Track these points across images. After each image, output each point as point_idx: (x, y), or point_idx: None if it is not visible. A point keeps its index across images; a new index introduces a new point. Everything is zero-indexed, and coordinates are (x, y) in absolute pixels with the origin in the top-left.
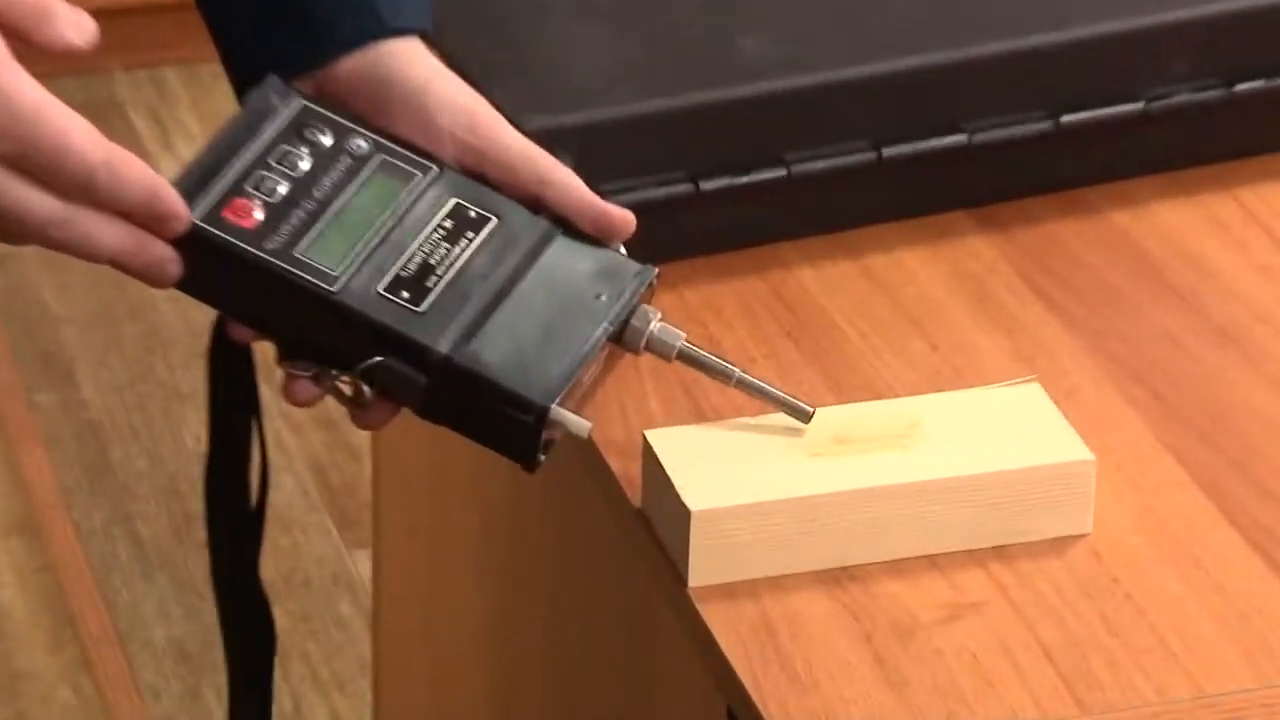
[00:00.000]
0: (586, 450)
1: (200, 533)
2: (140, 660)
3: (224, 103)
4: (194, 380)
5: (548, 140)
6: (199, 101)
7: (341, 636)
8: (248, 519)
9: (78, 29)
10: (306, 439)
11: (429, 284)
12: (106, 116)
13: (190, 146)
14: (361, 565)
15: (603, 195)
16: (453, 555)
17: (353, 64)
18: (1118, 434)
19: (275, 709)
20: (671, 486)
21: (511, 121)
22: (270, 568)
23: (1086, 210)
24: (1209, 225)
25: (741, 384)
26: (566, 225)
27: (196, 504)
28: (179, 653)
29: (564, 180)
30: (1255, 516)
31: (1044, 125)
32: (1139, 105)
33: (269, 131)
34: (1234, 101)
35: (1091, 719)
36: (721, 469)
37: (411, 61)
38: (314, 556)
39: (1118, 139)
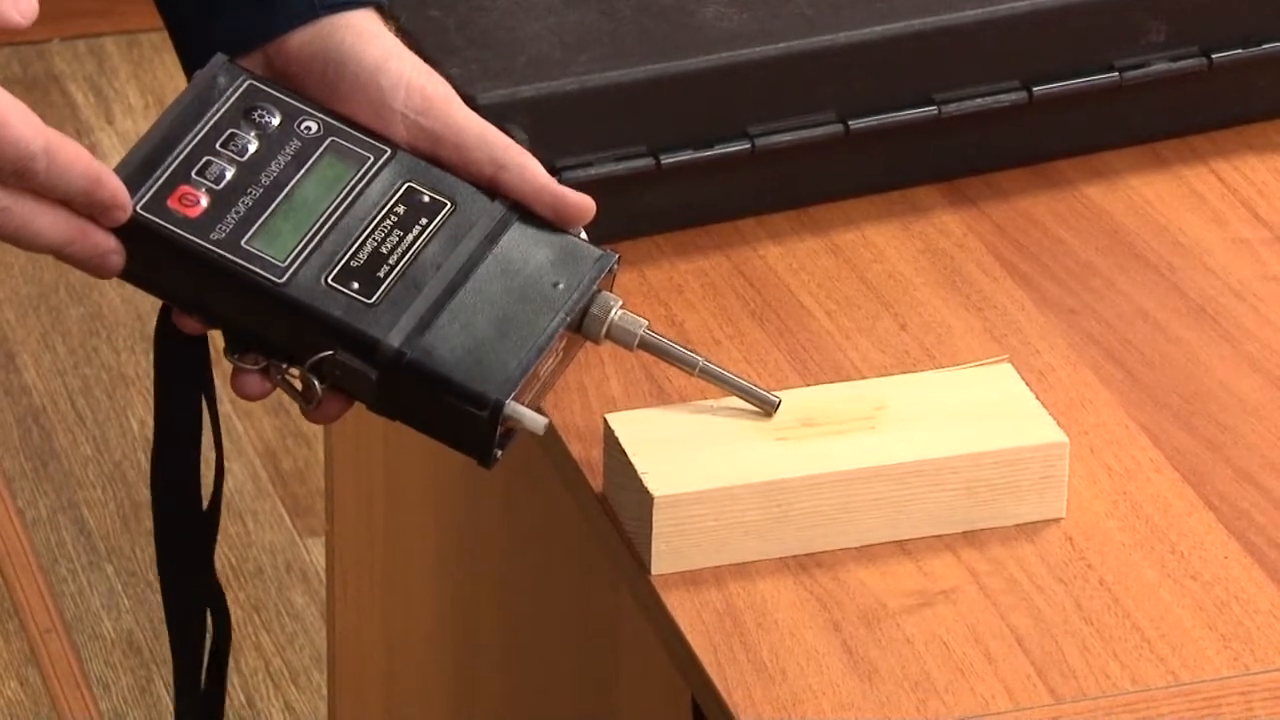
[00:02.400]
0: (546, 434)
1: (149, 521)
2: (89, 652)
3: (166, 74)
4: (140, 363)
5: (503, 113)
6: (140, 72)
7: (295, 627)
8: (199, 518)
9: (17, 5)
10: (257, 423)
11: (380, 274)
12: (44, 89)
13: (131, 119)
14: (315, 553)
15: (560, 171)
16: (409, 543)
17: (304, 40)
18: (1092, 415)
19: (226, 703)
20: (633, 471)
21: (465, 94)
22: (221, 556)
23: (1060, 184)
24: (1185, 198)
25: (705, 373)
26: (524, 210)
27: (145, 491)
28: (129, 644)
29: (520, 164)
30: (1232, 500)
31: (1016, 96)
32: (1114, 75)
33: (215, 114)
34: (1211, 71)
35: (1065, 707)
36: (685, 453)
37: (365, 39)
38: (265, 545)
39: (1092, 110)
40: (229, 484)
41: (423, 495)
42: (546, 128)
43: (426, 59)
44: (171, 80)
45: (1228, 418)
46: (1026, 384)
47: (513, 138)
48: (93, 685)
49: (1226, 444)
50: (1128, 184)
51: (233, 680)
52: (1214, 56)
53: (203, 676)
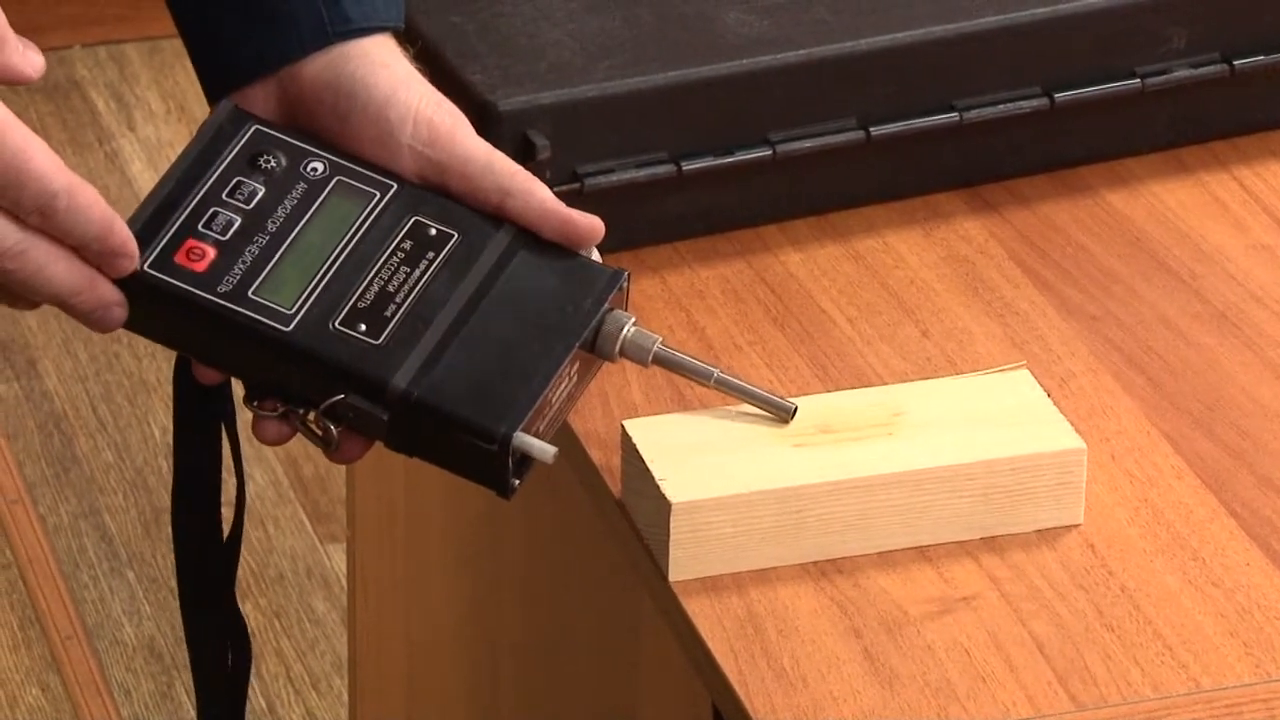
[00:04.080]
0: (566, 440)
1: (169, 527)
2: (110, 658)
3: (188, 80)
4: (161, 370)
5: (524, 120)
6: (161, 79)
7: (316, 633)
8: (220, 551)
9: (26, 58)
10: None
11: (387, 313)
12: (66, 95)
13: (153, 125)
14: (336, 559)
15: (582, 177)
16: (430, 550)
17: (317, 70)
18: (1113, 421)
19: (247, 709)
20: (651, 478)
21: (486, 100)
22: (242, 563)
23: (1081, 190)
24: (1207, 205)
25: (721, 383)
26: (532, 235)
27: (166, 498)
28: (150, 650)
29: (525, 189)
30: (1254, 507)
31: (1038, 102)
32: (1136, 81)
33: (222, 163)
34: (1233, 77)
35: (1086, 714)
36: (703, 460)
37: (376, 68)
38: (286, 551)
39: (1114, 116)
40: (250, 490)
41: (443, 502)
42: (568, 134)
43: (448, 66)
44: (193, 86)
45: (1249, 424)
46: (1047, 390)
47: (534, 144)
48: (114, 691)
49: (1248, 451)
50: (1149, 190)
51: (253, 686)
52: (1236, 63)
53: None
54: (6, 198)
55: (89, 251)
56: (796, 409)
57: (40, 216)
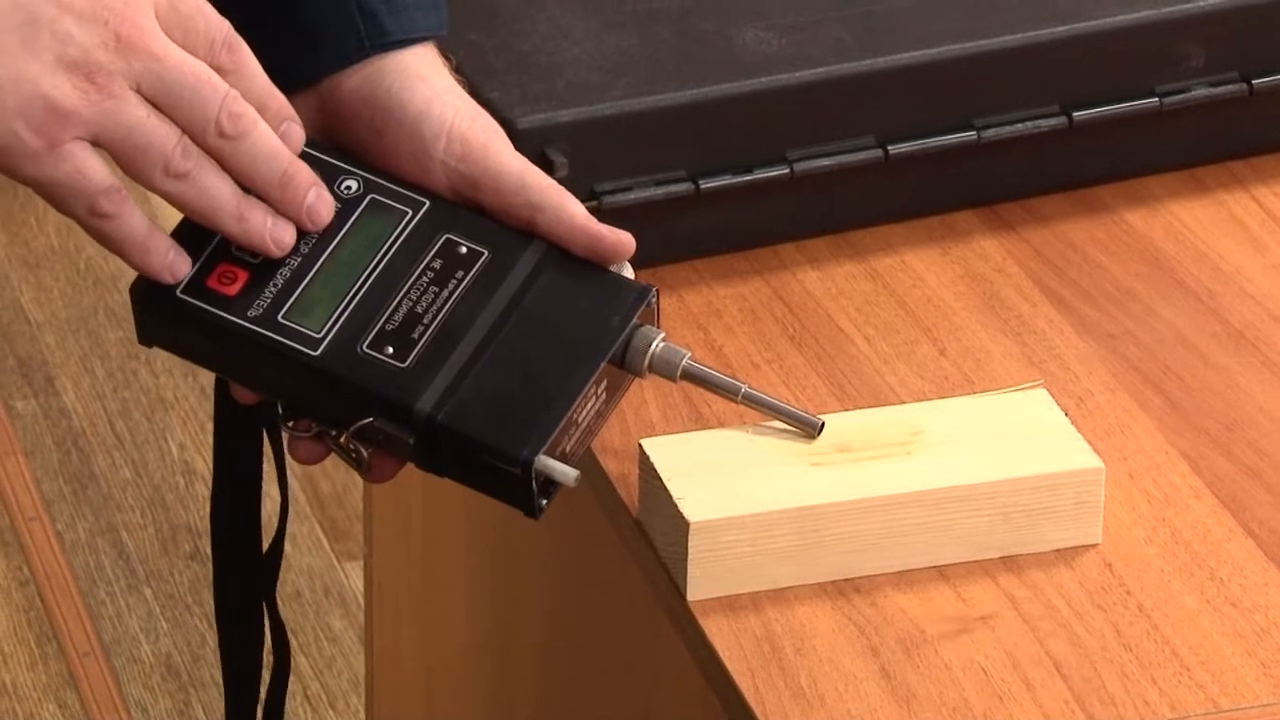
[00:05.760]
0: (584, 458)
1: (187, 544)
2: (127, 675)
3: None
4: (178, 386)
5: (542, 137)
6: None
7: (333, 650)
8: (261, 562)
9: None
10: None
11: (414, 334)
12: None
13: None
14: (353, 577)
15: (600, 195)
16: (447, 567)
17: (355, 84)
18: (1130, 441)
19: None
20: (669, 496)
21: (504, 118)
22: None
23: (1099, 209)
24: (1225, 224)
25: (748, 399)
26: (561, 251)
27: (183, 514)
28: (167, 667)
29: (556, 204)
30: (1272, 527)
31: (1056, 121)
32: (1154, 100)
33: None
34: (1251, 96)
35: None
36: (720, 478)
37: (413, 82)
38: (304, 568)
39: (1132, 135)
40: (268, 507)
41: (461, 520)
42: (586, 152)
43: (466, 84)
44: None
45: (1267, 444)
46: (1065, 409)
47: (552, 162)
48: (131, 709)
49: (1266, 470)
50: (1167, 209)
51: None
52: (1254, 82)
53: (259, 711)
54: (188, 105)
55: (260, 178)
56: (824, 424)
57: (217, 135)
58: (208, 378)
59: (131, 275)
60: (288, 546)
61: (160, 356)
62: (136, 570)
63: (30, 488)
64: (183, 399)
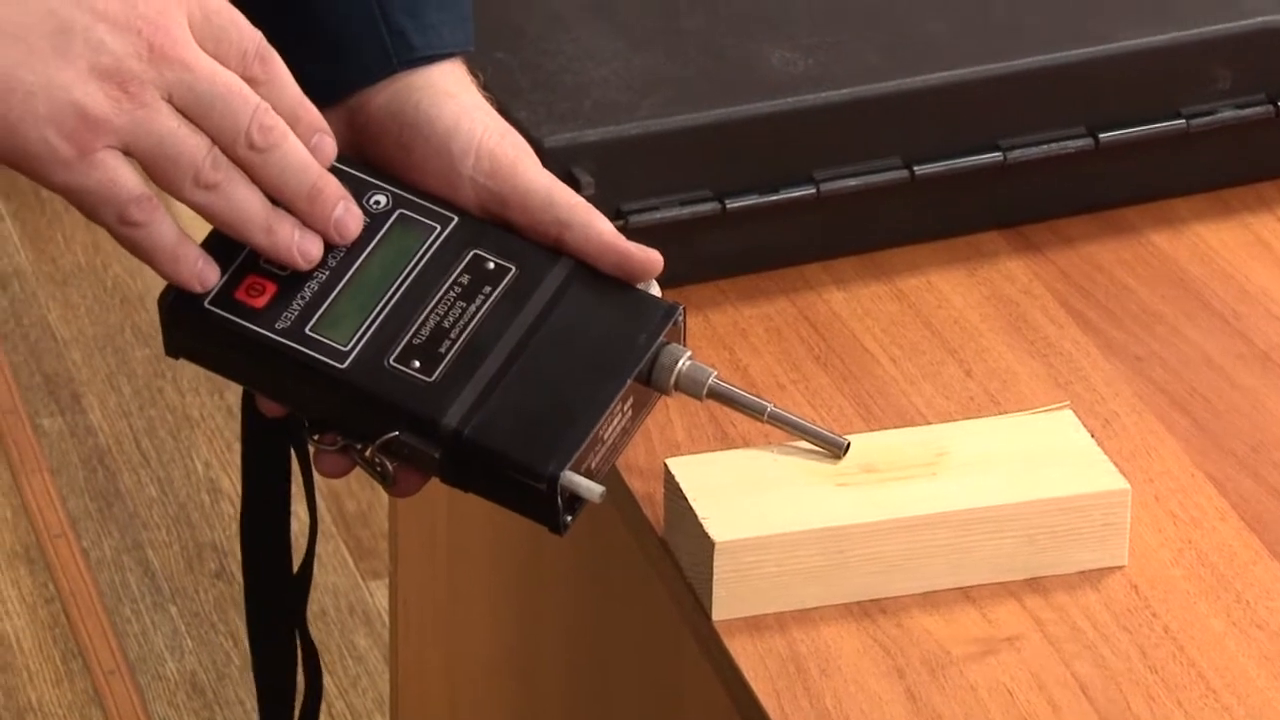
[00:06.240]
0: (609, 477)
1: (213, 562)
2: (152, 693)
3: None
4: (204, 405)
5: (568, 157)
6: None
7: (358, 669)
8: (291, 580)
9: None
10: None
11: (441, 349)
12: None
13: None
14: (378, 596)
15: (626, 214)
16: (472, 586)
17: (383, 100)
18: (1157, 462)
19: None
20: (694, 516)
21: (531, 137)
22: None
23: (1125, 230)
24: (1252, 246)
25: (774, 418)
26: (589, 268)
27: (208, 532)
28: (192, 685)
29: (584, 222)
30: None
31: (1082, 142)
32: (1180, 122)
33: None
34: (1278, 118)
35: None
36: (745, 498)
37: (441, 99)
38: (329, 587)
39: (1158, 157)
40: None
41: (486, 539)
42: (612, 171)
43: (493, 103)
44: None
45: None
46: (1091, 431)
47: (578, 181)
48: None
49: None
50: (1194, 231)
51: None
52: None
53: None
54: (219, 116)
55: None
56: (849, 445)
57: (246, 146)
58: (234, 396)
59: (157, 292)
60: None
61: (186, 375)
62: (162, 588)
63: (56, 505)
64: (208, 417)
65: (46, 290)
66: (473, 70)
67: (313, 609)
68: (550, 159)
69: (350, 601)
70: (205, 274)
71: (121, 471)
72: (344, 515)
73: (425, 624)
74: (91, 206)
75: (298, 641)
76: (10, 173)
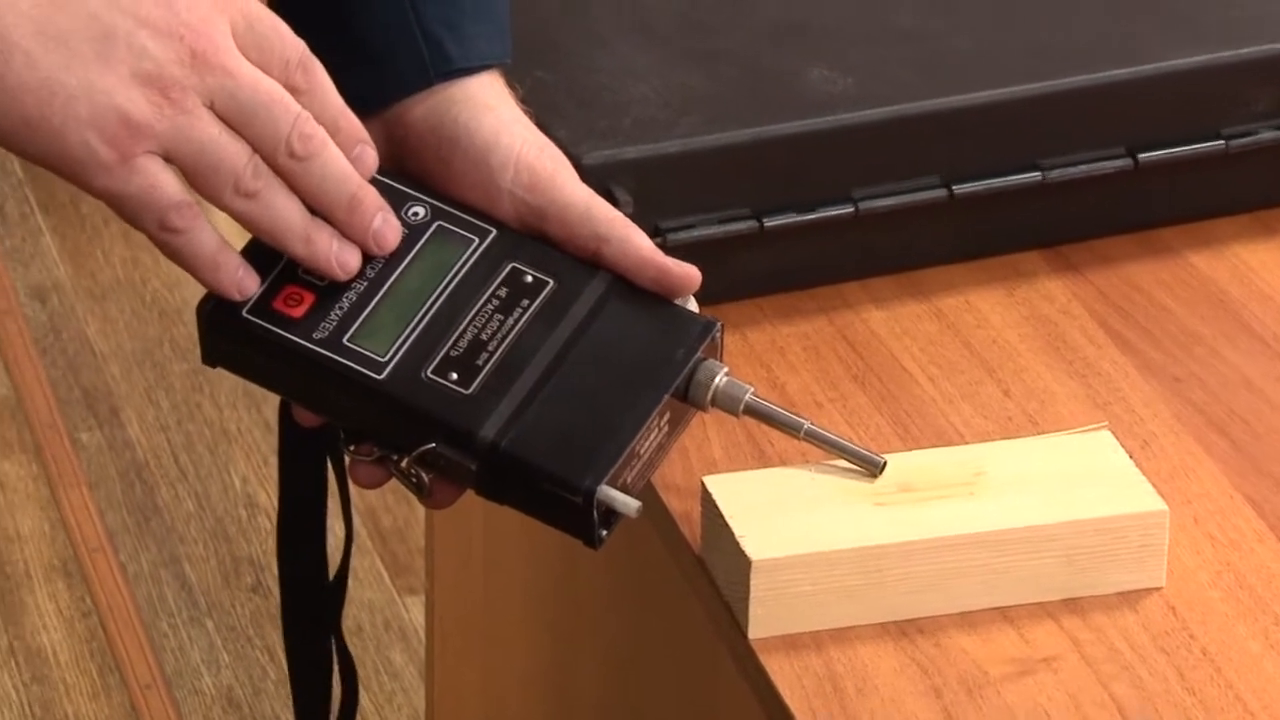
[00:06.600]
0: (646, 494)
1: (249, 576)
2: (189, 707)
3: None
4: (242, 419)
5: (607, 174)
6: None
7: (394, 685)
8: (328, 589)
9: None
10: None
11: (479, 361)
12: None
13: None
14: (414, 612)
15: (664, 232)
16: (508, 602)
17: (422, 113)
18: (1195, 484)
19: None
20: (731, 534)
21: (570, 154)
22: None
23: (1164, 251)
24: None
25: (811, 436)
26: (627, 283)
27: (245, 547)
28: (228, 700)
29: (623, 236)
30: None
31: (1121, 163)
32: (1220, 143)
33: None
34: None
35: None
36: (782, 517)
37: (481, 112)
38: (365, 603)
39: (1197, 178)
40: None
41: (523, 555)
42: (650, 189)
43: (533, 115)
44: None
45: None
46: (1129, 452)
47: (617, 198)
48: None
49: None
50: (1233, 252)
51: None
52: None
53: None
54: (260, 123)
55: (328, 197)
56: (886, 463)
57: (287, 153)
58: (271, 411)
59: (195, 307)
60: (349, 581)
61: (224, 390)
62: (199, 602)
63: (94, 519)
64: (246, 432)
65: (85, 304)
66: (511, 83)
67: (348, 625)
68: (589, 176)
69: (386, 617)
70: (245, 282)
71: (159, 486)
72: (380, 531)
73: (461, 640)
74: (132, 212)
75: (333, 651)
76: (50, 187)
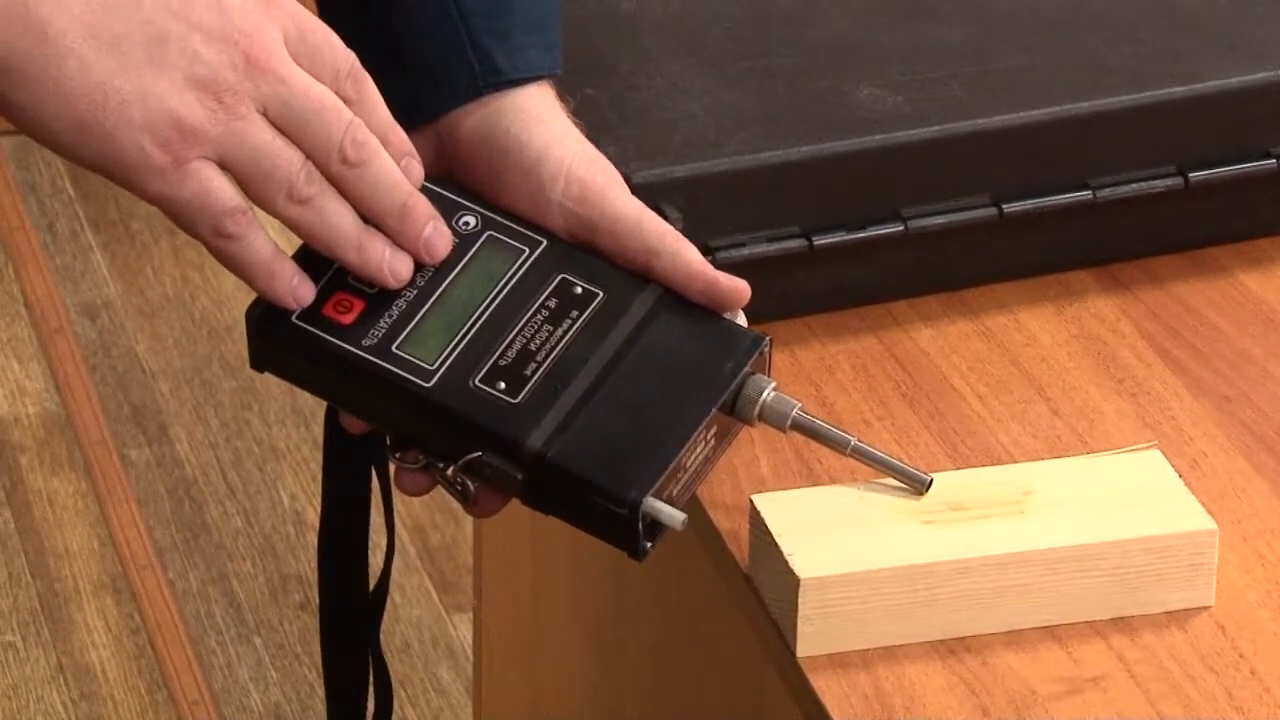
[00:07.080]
0: (694, 512)
1: (298, 594)
2: None
3: None
4: (290, 437)
5: (657, 192)
6: None
7: (441, 702)
8: (367, 600)
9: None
10: (405, 499)
11: (527, 371)
12: None
13: None
14: (462, 629)
15: (714, 250)
16: (556, 619)
17: (474, 124)
18: (1245, 503)
19: None
20: (779, 552)
21: (620, 172)
22: None
23: (1215, 270)
24: None
25: (857, 452)
26: (677, 296)
27: (294, 564)
28: (276, 717)
29: (673, 250)
30: None
31: (1172, 182)
32: (1271, 162)
33: None
34: None
35: None
36: (831, 535)
37: (532, 123)
38: (413, 620)
39: (1248, 197)
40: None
41: (570, 572)
42: (700, 207)
43: (584, 128)
44: None
45: None
46: (1179, 471)
47: (666, 216)
48: None
49: None
50: None
51: None
52: None
53: None
54: (314, 129)
55: (381, 204)
56: (932, 481)
57: (339, 159)
58: (319, 428)
59: (244, 325)
60: (397, 597)
61: (273, 407)
62: (247, 619)
63: (143, 536)
64: (294, 449)
65: (135, 322)
66: (562, 96)
67: (396, 641)
68: (639, 194)
69: (434, 634)
70: (300, 290)
71: (208, 503)
72: (428, 548)
73: (509, 657)
74: (187, 218)
75: (370, 662)
76: (101, 205)
